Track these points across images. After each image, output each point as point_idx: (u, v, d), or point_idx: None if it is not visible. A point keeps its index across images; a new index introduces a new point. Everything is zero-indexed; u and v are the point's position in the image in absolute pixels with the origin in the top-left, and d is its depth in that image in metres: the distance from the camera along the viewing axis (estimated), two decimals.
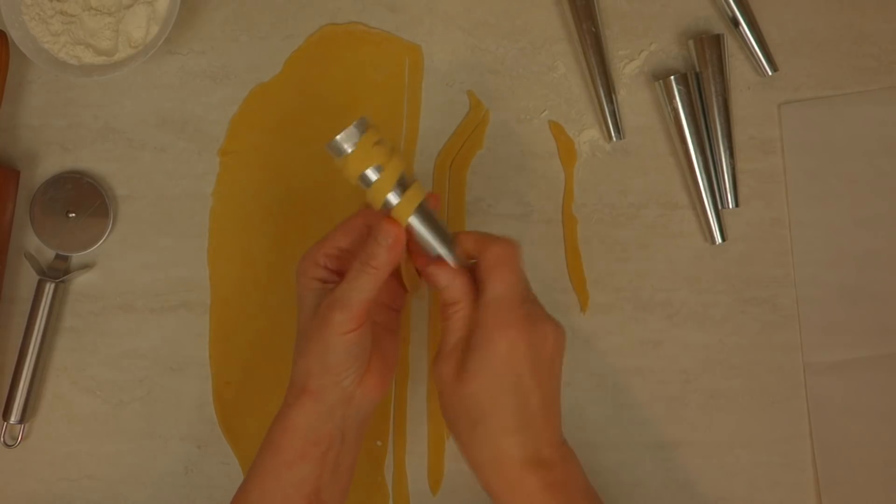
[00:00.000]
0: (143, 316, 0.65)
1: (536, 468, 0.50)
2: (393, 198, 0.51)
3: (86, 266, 0.65)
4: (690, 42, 0.66)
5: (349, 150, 0.50)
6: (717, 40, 0.64)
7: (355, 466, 0.55)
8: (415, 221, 0.51)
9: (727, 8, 0.66)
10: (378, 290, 0.50)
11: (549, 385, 0.52)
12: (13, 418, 0.63)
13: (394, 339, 0.56)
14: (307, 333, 0.51)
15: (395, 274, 0.55)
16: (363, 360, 0.51)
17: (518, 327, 0.50)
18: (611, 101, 0.65)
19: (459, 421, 0.51)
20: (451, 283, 0.51)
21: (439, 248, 0.52)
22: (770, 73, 0.66)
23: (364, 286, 0.49)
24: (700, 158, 0.64)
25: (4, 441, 0.64)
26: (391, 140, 0.60)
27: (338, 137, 0.50)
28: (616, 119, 0.65)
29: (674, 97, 0.64)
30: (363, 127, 0.51)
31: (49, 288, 0.64)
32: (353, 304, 0.49)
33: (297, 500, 0.51)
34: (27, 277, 0.65)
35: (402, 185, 0.51)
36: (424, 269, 0.52)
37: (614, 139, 0.66)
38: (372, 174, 0.50)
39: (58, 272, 0.65)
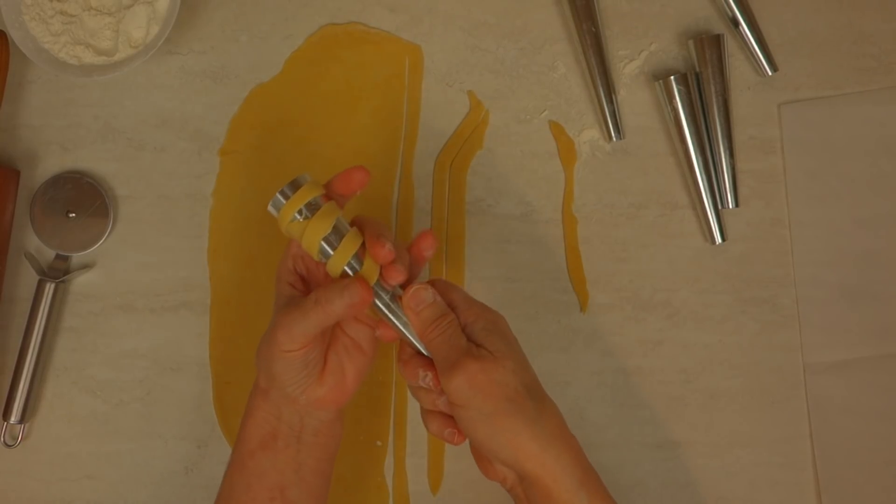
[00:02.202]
0: (143, 316, 0.65)
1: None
2: (354, 266, 0.51)
3: (86, 266, 0.65)
4: (690, 42, 0.66)
5: (301, 218, 0.50)
6: (717, 40, 0.64)
7: (327, 473, 0.54)
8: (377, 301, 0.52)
9: (727, 8, 0.66)
10: (321, 329, 0.50)
11: None
12: (13, 418, 0.63)
13: (361, 358, 0.54)
14: (265, 337, 0.52)
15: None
16: (307, 375, 0.51)
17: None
18: (611, 101, 0.65)
19: (508, 407, 0.49)
20: (436, 298, 0.52)
21: (398, 323, 0.52)
22: (770, 73, 0.66)
23: (310, 322, 0.50)
24: (700, 158, 0.64)
25: (4, 441, 0.64)
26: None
27: (296, 207, 0.50)
28: (616, 119, 0.65)
29: (674, 97, 0.64)
30: (314, 192, 0.50)
31: (49, 288, 0.64)
32: (296, 334, 0.50)
33: (259, 491, 0.52)
34: (27, 277, 0.65)
35: (359, 260, 0.51)
36: (403, 298, 0.52)
37: (614, 139, 0.66)
38: (328, 247, 0.50)
39: (58, 272, 0.65)
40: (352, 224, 0.52)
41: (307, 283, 0.54)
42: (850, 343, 0.65)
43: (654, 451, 0.64)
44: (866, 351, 0.65)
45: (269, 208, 0.51)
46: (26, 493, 0.64)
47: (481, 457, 0.53)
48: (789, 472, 0.64)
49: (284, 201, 0.50)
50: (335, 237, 0.50)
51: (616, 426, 0.65)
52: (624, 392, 0.65)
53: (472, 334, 0.51)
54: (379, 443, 0.64)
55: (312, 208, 0.50)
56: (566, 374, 0.65)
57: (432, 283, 0.53)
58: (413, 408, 0.64)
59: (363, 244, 0.51)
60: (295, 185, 0.50)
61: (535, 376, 0.52)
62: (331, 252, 0.50)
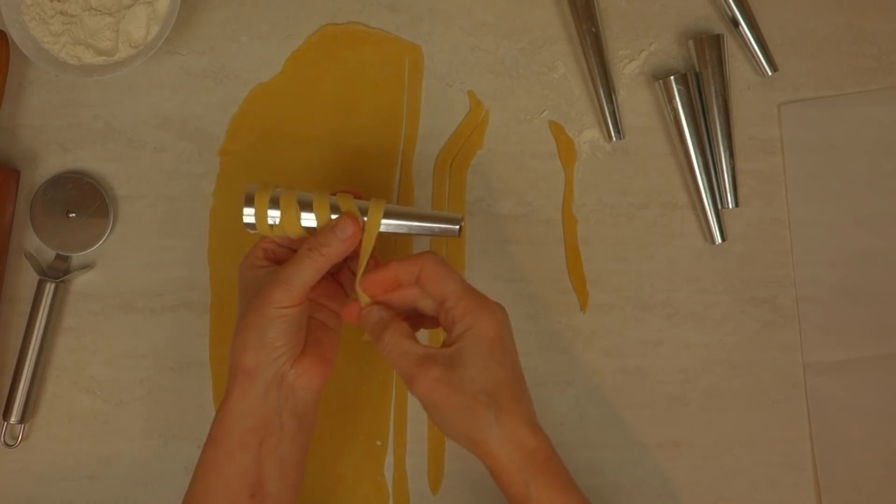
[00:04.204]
0: (143, 316, 0.65)
1: (540, 433, 0.51)
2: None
3: (86, 266, 0.65)
4: (690, 42, 0.66)
5: (273, 221, 0.55)
6: (717, 40, 0.64)
7: (304, 465, 0.55)
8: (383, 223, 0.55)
9: (727, 8, 0.66)
10: (318, 277, 0.53)
11: (517, 357, 0.53)
12: (13, 418, 0.63)
13: (332, 335, 0.56)
14: (248, 310, 0.53)
15: (336, 277, 0.58)
16: (298, 340, 0.53)
17: (493, 306, 0.52)
18: (611, 101, 0.65)
19: (465, 414, 0.50)
20: (379, 314, 0.53)
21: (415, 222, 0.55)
22: (770, 73, 0.66)
23: (308, 270, 0.52)
24: (700, 158, 0.64)
25: (4, 441, 0.64)
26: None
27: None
28: (616, 119, 0.65)
29: (674, 97, 0.64)
30: (266, 192, 0.55)
31: (49, 288, 0.64)
32: (295, 285, 0.52)
33: (239, 490, 0.52)
34: (27, 277, 0.65)
35: (335, 209, 0.55)
36: (361, 316, 0.54)
37: (614, 139, 0.66)
38: (309, 222, 0.55)
39: (58, 272, 0.65)
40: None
41: (278, 263, 0.56)
42: (850, 343, 0.65)
43: (654, 451, 0.64)
44: (866, 351, 0.65)
45: (249, 231, 0.55)
46: (26, 493, 0.64)
47: None
48: (789, 472, 0.64)
49: (254, 219, 0.55)
50: (307, 209, 0.54)
51: (616, 426, 0.65)
52: (624, 392, 0.65)
53: (451, 335, 0.51)
54: (379, 443, 0.64)
55: (274, 204, 0.55)
56: (566, 374, 0.65)
57: (426, 260, 0.52)
58: (413, 408, 0.64)
59: (331, 194, 0.55)
60: (249, 199, 0.55)
61: (508, 375, 0.51)
62: (313, 224, 0.54)
